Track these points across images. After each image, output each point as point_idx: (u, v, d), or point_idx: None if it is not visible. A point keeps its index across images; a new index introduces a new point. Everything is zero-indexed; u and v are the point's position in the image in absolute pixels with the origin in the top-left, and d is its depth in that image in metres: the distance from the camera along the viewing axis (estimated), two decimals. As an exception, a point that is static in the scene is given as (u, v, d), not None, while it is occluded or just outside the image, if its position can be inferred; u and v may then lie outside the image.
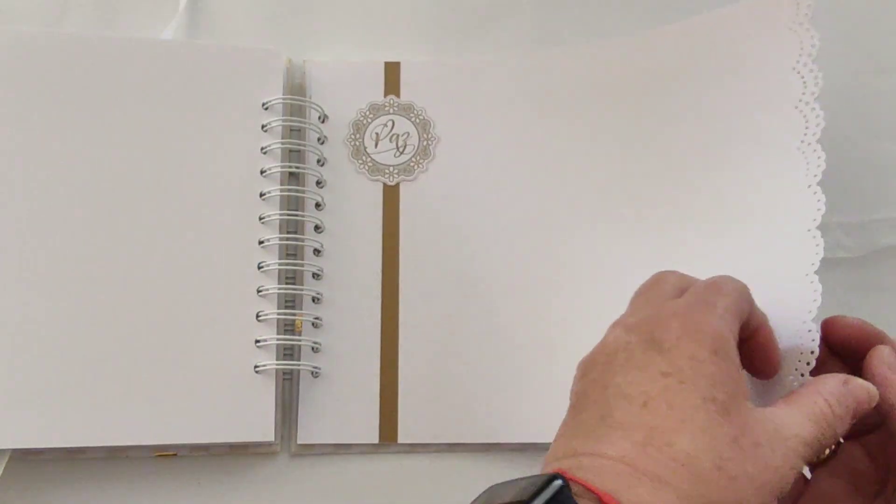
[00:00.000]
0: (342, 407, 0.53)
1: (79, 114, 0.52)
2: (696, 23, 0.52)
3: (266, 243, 0.52)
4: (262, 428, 0.50)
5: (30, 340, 0.49)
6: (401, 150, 0.56)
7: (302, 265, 0.53)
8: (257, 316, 0.52)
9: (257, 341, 0.51)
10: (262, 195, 0.53)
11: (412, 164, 0.56)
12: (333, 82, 0.56)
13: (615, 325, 0.37)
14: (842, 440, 0.41)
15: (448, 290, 0.54)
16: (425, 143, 0.56)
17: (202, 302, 0.51)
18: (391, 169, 0.56)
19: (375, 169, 0.56)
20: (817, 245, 0.42)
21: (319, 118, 0.56)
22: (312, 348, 0.53)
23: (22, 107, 0.51)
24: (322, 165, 0.55)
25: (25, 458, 0.50)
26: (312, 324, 0.53)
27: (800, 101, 0.46)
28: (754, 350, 0.39)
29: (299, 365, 0.52)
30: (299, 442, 0.52)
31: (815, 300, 0.40)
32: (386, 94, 0.57)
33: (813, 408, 0.35)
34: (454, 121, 0.56)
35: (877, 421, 0.40)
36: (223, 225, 0.52)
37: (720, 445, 0.32)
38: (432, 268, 0.54)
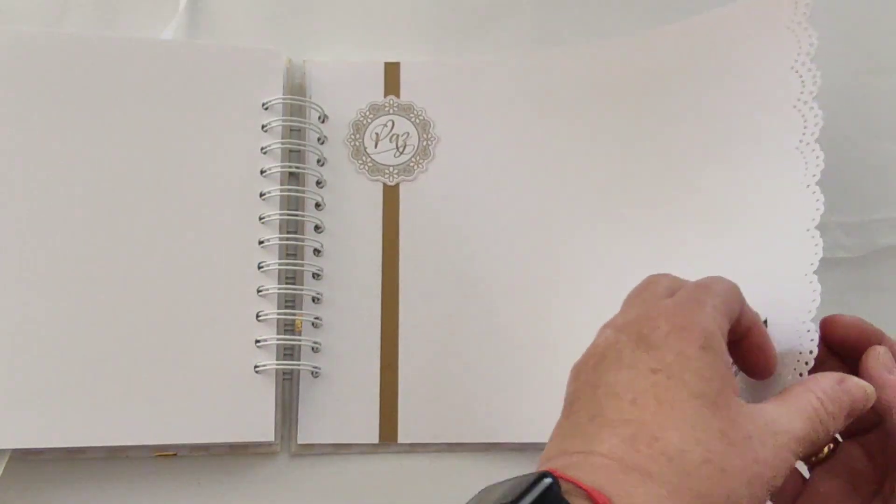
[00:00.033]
0: (342, 407, 0.53)
1: (79, 114, 0.52)
2: (695, 23, 0.52)
3: (266, 243, 0.52)
4: (262, 428, 0.50)
5: (30, 340, 0.49)
6: (401, 150, 0.56)
7: (302, 265, 0.53)
8: (257, 316, 0.52)
9: (257, 341, 0.51)
10: (262, 195, 0.53)
11: (412, 164, 0.56)
12: (333, 82, 0.57)
13: (605, 326, 0.37)
14: (840, 439, 0.41)
15: (448, 290, 0.54)
16: (425, 143, 0.56)
17: (202, 302, 0.51)
18: (391, 169, 0.56)
19: (375, 169, 0.56)
20: (816, 245, 0.42)
21: (319, 118, 0.56)
22: (312, 348, 0.53)
23: (22, 107, 0.51)
24: (322, 165, 0.55)
25: (25, 458, 0.50)
26: (312, 324, 0.53)
27: (798, 100, 0.46)
28: (748, 349, 0.39)
29: (299, 365, 0.52)
30: (299, 442, 0.52)
31: (814, 300, 0.40)
32: (386, 95, 0.57)
33: (805, 404, 0.35)
34: (454, 121, 0.56)
35: (875, 420, 0.40)
36: (223, 225, 0.52)
37: (708, 439, 0.32)
38: (432, 268, 0.54)
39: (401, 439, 0.52)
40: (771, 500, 0.41)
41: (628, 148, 0.54)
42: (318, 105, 0.56)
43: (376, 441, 0.52)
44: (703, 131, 0.51)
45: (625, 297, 0.40)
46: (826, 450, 0.41)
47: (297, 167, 0.54)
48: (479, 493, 0.32)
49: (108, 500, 0.51)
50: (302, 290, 0.53)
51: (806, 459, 0.42)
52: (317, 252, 0.54)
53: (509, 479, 0.32)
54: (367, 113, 0.57)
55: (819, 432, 0.35)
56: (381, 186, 0.56)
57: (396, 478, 0.53)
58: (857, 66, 0.57)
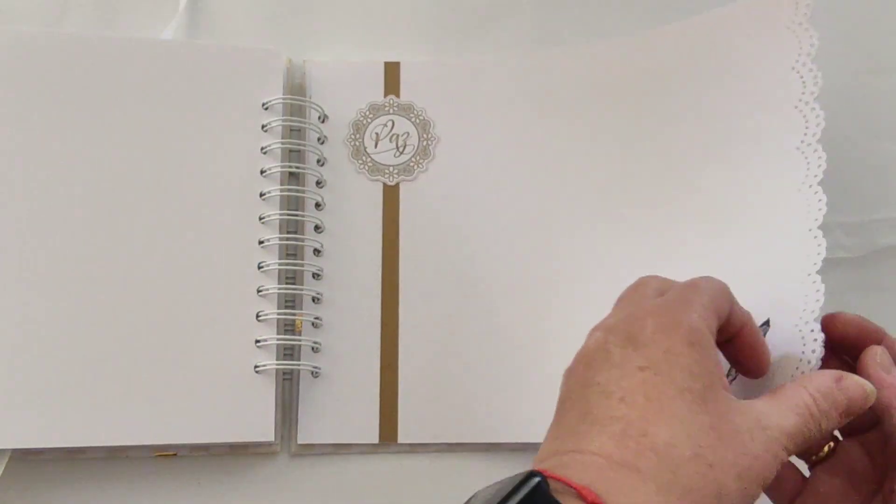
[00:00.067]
0: (342, 407, 0.53)
1: (79, 114, 0.52)
2: (695, 23, 0.52)
3: (266, 243, 0.52)
4: (262, 428, 0.50)
5: (30, 340, 0.49)
6: (401, 150, 0.56)
7: (302, 265, 0.53)
8: (257, 316, 0.52)
9: (257, 341, 0.51)
10: (262, 195, 0.53)
11: (412, 164, 0.56)
12: (333, 82, 0.57)
13: (595, 328, 0.37)
14: (840, 437, 0.41)
15: (448, 290, 0.54)
16: (425, 143, 0.56)
17: (202, 302, 0.51)
18: (391, 169, 0.56)
19: (375, 169, 0.56)
20: (819, 245, 0.42)
21: (319, 118, 0.56)
22: (312, 348, 0.53)
23: (22, 107, 0.51)
24: (322, 165, 0.55)
25: (25, 458, 0.50)
26: (312, 324, 0.53)
27: (799, 100, 0.46)
28: (741, 348, 0.39)
29: (299, 365, 0.52)
30: (299, 442, 0.52)
31: (817, 301, 0.40)
32: (386, 94, 0.57)
33: (797, 401, 0.35)
34: (454, 121, 0.56)
35: (875, 419, 0.40)
36: (223, 225, 0.52)
37: (697, 433, 0.32)
38: (432, 268, 0.54)
39: (401, 439, 0.52)
40: (771, 498, 0.41)
41: (629, 148, 0.54)
42: (318, 105, 0.56)
43: (376, 441, 0.52)
44: (703, 131, 0.51)
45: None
46: (826, 449, 0.41)
47: (297, 167, 0.54)
48: (470, 498, 0.32)
49: (108, 500, 0.51)
50: (302, 290, 0.53)
51: (806, 458, 0.42)
52: (317, 252, 0.54)
53: (499, 481, 0.32)
54: (367, 113, 0.57)
55: (811, 429, 0.35)
56: (381, 186, 0.56)
57: (396, 478, 0.53)
58: (857, 67, 0.57)
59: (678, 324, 0.35)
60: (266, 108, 0.54)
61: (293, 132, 0.55)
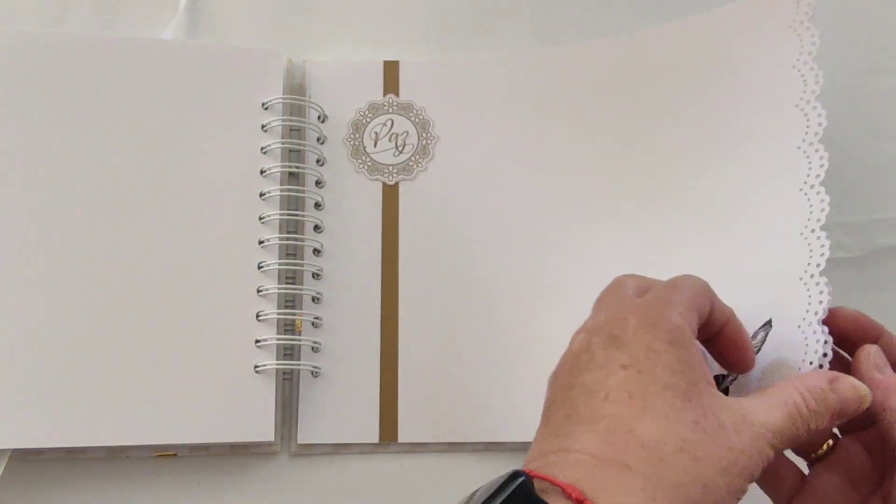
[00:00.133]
0: (342, 407, 0.53)
1: (79, 114, 0.52)
2: (695, 22, 0.52)
3: (266, 243, 0.52)
4: (262, 428, 0.50)
5: (30, 340, 0.49)
6: (400, 149, 0.56)
7: (302, 265, 0.53)
8: (257, 316, 0.52)
9: (257, 341, 0.51)
10: (262, 195, 0.53)
11: (411, 163, 0.56)
12: (333, 82, 0.56)
13: (578, 331, 0.38)
14: (839, 435, 0.41)
15: (448, 290, 0.54)
16: (424, 142, 0.56)
17: (202, 302, 0.51)
18: (390, 168, 0.56)
19: (375, 168, 0.56)
20: (822, 246, 0.42)
21: (319, 118, 0.56)
22: (312, 348, 0.53)
23: (22, 107, 0.51)
24: (322, 165, 0.55)
25: (25, 458, 0.50)
26: (312, 324, 0.53)
27: (801, 99, 0.46)
28: (724, 344, 0.39)
29: (299, 365, 0.52)
30: (299, 442, 0.52)
31: (821, 301, 0.40)
32: (385, 94, 0.57)
33: (785, 398, 0.35)
34: (453, 120, 0.56)
35: (873, 418, 0.39)
36: (223, 225, 0.52)
37: (682, 428, 0.33)
38: (432, 267, 0.54)
39: (401, 439, 0.52)
40: (770, 496, 0.41)
41: (628, 147, 0.54)
42: (317, 105, 0.56)
43: (376, 441, 0.52)
44: (703, 131, 0.51)
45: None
46: (825, 446, 0.41)
47: (296, 167, 0.54)
48: (471, 494, 0.33)
49: (108, 500, 0.51)
50: (302, 289, 0.53)
51: (805, 456, 0.42)
52: (316, 252, 0.54)
53: (485, 484, 0.32)
54: (367, 112, 0.57)
55: (799, 427, 0.35)
56: (380, 186, 0.56)
57: (396, 478, 0.53)
58: (857, 66, 0.57)
59: (659, 323, 0.35)
60: (266, 108, 0.54)
61: (293, 132, 0.55)
